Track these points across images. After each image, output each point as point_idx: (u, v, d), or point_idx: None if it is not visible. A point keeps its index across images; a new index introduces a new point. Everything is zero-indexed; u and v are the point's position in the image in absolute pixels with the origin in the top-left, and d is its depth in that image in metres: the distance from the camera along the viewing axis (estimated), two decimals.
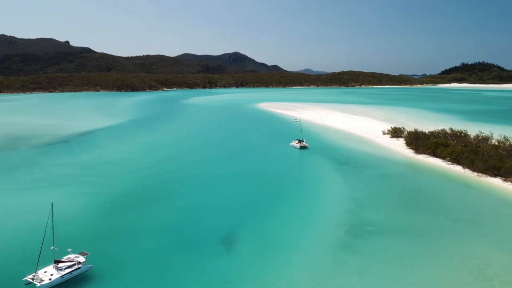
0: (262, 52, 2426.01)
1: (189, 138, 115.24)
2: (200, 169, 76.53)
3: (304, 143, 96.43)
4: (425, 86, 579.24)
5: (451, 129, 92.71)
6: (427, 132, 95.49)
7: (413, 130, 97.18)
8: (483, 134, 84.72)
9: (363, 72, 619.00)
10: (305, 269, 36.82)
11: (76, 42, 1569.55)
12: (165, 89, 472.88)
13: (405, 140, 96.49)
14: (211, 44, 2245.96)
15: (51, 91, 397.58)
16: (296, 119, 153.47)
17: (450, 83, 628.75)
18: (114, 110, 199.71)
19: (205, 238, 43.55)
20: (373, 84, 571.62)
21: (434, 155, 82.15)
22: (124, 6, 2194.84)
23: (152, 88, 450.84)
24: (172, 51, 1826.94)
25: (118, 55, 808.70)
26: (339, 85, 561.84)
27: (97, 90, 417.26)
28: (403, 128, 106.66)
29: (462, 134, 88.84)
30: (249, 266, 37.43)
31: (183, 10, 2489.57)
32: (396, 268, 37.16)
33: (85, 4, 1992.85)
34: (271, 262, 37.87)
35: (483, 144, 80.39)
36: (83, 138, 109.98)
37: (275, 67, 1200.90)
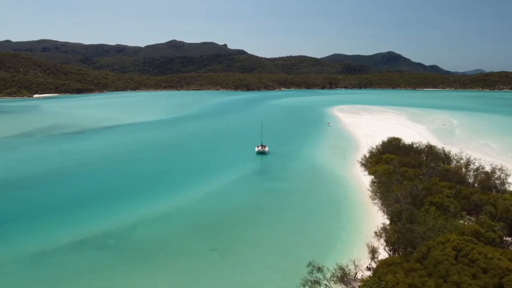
0: (420, 52, 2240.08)
1: (189, 136, 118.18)
2: (128, 166, 77.45)
3: (262, 149, 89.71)
4: None
5: (428, 144, 74.07)
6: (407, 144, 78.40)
7: (386, 142, 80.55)
8: (463, 154, 65.64)
9: None
10: None
11: (233, 45, 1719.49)
12: (282, 89, 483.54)
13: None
14: (363, 43, 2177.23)
15: (178, 89, 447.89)
16: (328, 124, 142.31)
17: None
18: (186, 108, 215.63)
19: None
20: None
21: None
22: (276, 10, 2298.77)
23: (268, 88, 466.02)
24: (321, 52, 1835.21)
25: (263, 57, 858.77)
26: (482, 88, 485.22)
27: (217, 89, 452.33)
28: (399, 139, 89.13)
29: (441, 152, 70.30)
30: None
31: (334, 11, 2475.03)
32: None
33: (241, 10, 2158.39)
34: None
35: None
36: (100, 131, 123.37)
37: (434, 68, 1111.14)
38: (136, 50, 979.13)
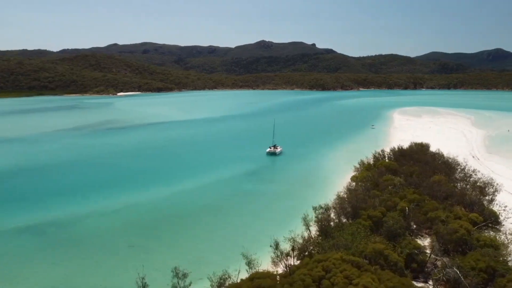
0: None
1: (216, 134, 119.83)
2: (131, 161, 79.28)
3: (272, 150, 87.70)
4: None
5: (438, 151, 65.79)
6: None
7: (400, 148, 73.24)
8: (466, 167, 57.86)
9: None
10: None
11: (321, 44, 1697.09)
12: (361, 89, 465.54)
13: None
14: (466, 40, 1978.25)
15: (254, 89, 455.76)
16: (372, 126, 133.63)
17: None
18: (243, 107, 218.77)
19: None
20: None
21: None
22: (367, 7, 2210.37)
23: (345, 88, 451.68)
24: (416, 51, 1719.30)
25: (352, 56, 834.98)
26: None
27: (292, 89, 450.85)
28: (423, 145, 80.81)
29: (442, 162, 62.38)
30: None
31: (431, 5, 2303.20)
32: None
33: (331, 8, 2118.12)
34: None
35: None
36: (141, 127, 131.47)
37: None
38: (227, 50, 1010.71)
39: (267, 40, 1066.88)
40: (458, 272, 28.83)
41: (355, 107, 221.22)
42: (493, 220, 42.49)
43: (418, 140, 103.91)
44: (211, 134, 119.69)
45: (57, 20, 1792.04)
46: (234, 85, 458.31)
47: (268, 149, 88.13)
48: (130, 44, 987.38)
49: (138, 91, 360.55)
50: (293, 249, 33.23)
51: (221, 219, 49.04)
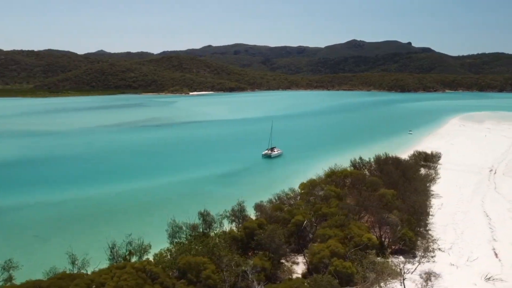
0: None
1: (239, 134, 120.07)
2: (130, 158, 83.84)
3: (268, 152, 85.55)
4: None
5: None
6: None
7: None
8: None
9: None
10: None
11: (418, 42, 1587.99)
12: (447, 91, 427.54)
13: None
14: None
15: (329, 89, 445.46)
16: (410, 131, 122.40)
17: None
18: (299, 107, 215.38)
19: None
20: None
21: None
22: (471, 1, 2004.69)
23: (427, 89, 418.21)
24: None
25: (449, 55, 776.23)
26: None
27: (369, 90, 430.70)
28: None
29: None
30: None
31: None
32: None
33: (429, 4, 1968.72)
34: None
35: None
36: (174, 125, 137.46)
37: None
38: (316, 51, 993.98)
39: (358, 39, 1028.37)
40: None
41: (416, 110, 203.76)
42: (403, 244, 36.89)
43: (451, 149, 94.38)
44: (232, 134, 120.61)
45: (159, 24, 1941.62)
46: (309, 86, 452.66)
47: (265, 152, 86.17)
48: (223, 46, 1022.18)
49: (211, 90, 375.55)
50: (130, 253, 32.58)
51: (145, 217, 49.35)
